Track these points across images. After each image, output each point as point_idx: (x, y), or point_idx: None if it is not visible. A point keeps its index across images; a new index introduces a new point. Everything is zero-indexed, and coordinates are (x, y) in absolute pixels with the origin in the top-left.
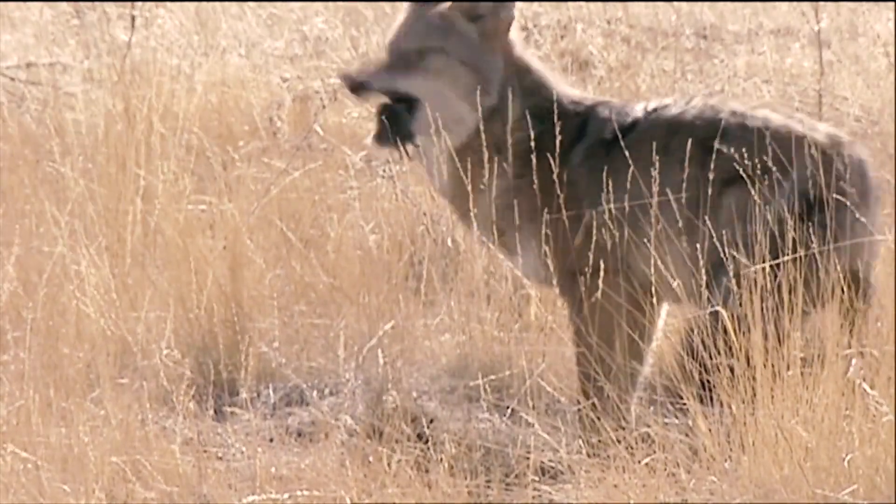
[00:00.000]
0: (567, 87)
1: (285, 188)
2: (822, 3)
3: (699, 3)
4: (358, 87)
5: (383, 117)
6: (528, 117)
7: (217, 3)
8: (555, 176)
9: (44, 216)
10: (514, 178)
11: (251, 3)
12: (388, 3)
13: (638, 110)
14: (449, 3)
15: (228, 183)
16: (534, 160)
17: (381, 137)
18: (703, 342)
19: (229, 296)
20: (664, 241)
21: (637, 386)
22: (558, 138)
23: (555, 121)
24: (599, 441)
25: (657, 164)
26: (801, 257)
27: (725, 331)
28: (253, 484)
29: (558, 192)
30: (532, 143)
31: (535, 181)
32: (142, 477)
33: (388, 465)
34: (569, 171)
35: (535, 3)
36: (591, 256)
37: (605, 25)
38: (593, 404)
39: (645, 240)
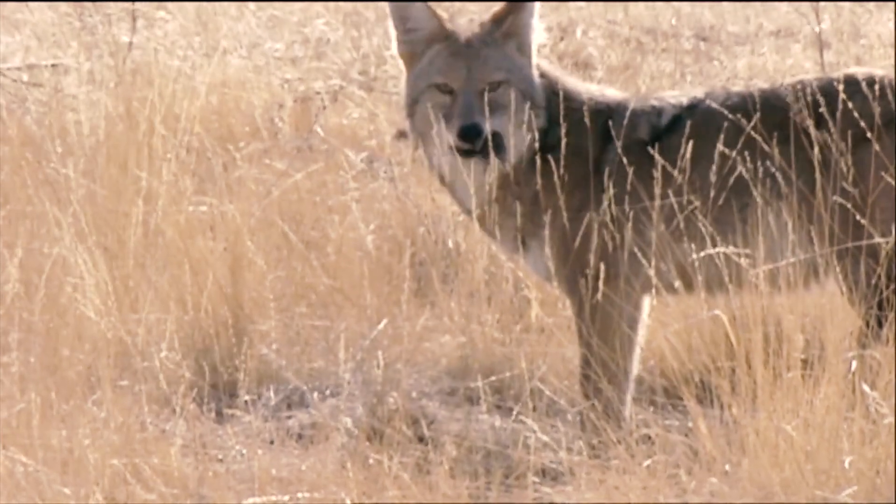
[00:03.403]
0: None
1: (286, 189)
2: (822, 4)
3: (699, 5)
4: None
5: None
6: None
7: (217, 5)
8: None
9: (45, 217)
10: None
11: (252, 5)
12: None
13: (669, 109)
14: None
15: (229, 184)
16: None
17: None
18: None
19: (230, 297)
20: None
21: (631, 383)
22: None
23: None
24: (600, 442)
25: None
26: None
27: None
28: (253, 486)
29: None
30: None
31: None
32: (142, 479)
33: (389, 466)
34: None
35: None
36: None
37: (606, 27)
38: (594, 405)
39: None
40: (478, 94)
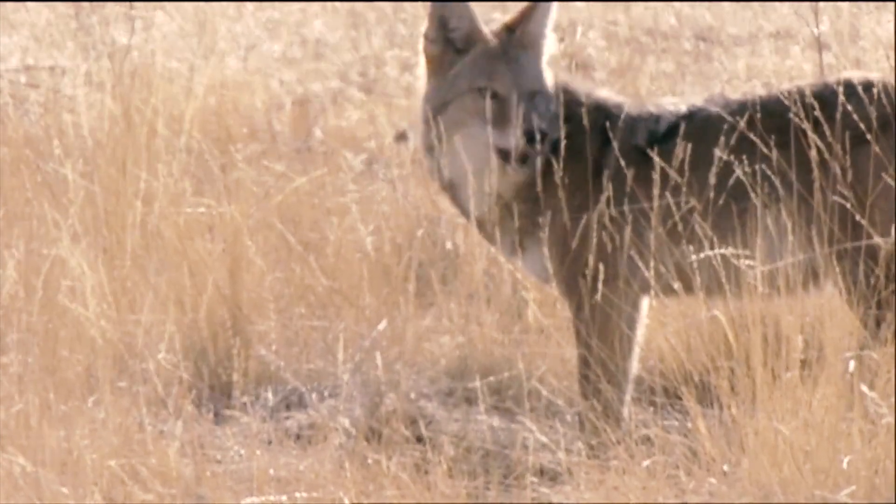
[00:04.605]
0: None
1: (285, 191)
2: (822, 6)
3: (699, 6)
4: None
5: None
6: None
7: (216, 6)
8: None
9: (43, 218)
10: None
11: (250, 6)
12: (388, 3)
13: (668, 115)
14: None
15: (228, 185)
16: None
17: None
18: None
19: (228, 298)
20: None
21: (629, 384)
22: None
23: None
24: (599, 443)
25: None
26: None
27: None
28: (251, 486)
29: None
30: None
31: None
32: (140, 480)
33: (387, 467)
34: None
35: None
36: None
37: (606, 28)
38: (592, 406)
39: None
40: (526, 100)
